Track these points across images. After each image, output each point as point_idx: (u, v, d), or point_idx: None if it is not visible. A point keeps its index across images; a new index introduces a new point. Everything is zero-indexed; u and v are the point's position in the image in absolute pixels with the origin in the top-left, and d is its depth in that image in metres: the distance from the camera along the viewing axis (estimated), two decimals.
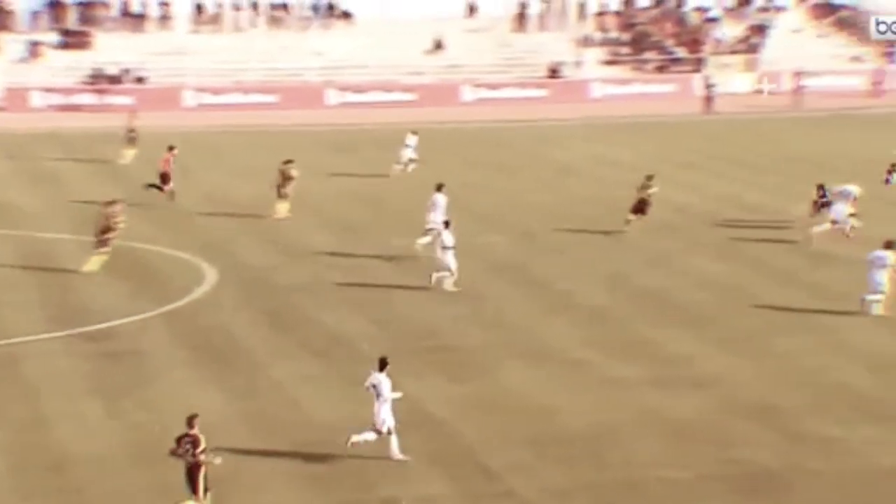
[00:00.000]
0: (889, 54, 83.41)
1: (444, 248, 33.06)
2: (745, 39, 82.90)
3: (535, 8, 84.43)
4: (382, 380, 22.07)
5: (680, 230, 40.11)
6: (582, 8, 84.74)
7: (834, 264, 35.56)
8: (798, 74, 73.88)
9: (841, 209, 37.51)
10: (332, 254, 37.36)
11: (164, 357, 28.15)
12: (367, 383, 22.27)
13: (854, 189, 38.19)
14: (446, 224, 33.52)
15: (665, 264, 35.94)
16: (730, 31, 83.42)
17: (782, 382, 26.17)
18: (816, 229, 37.68)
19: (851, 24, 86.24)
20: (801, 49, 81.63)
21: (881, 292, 30.43)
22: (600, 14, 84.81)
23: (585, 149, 57.42)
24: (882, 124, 64.44)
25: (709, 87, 72.25)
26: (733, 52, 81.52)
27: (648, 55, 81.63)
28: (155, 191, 44.23)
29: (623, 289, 33.30)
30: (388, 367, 22.19)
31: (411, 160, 49.33)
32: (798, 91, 72.78)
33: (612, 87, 77.44)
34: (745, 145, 58.28)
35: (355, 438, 22.17)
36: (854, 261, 35.22)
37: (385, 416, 21.99)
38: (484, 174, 50.38)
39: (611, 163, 53.54)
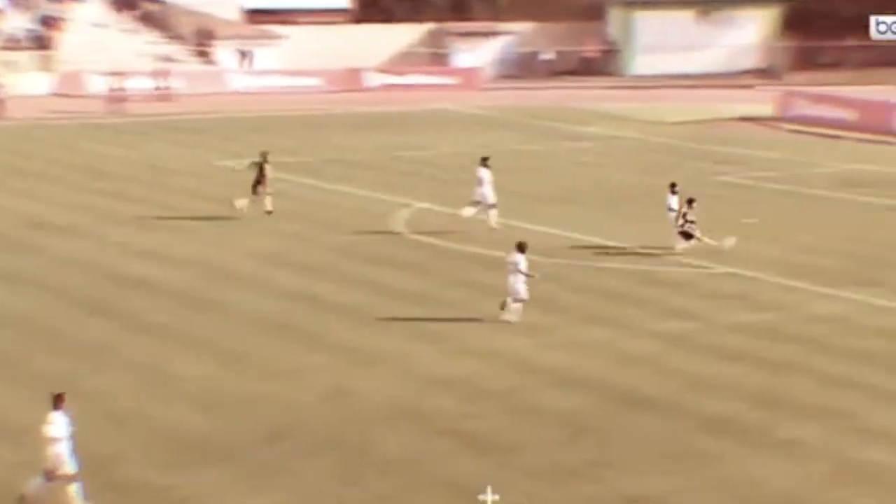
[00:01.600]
0: (204, 54, 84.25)
1: None
2: (37, 34, 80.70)
3: None
4: (57, 418, 21.15)
5: None
6: None
7: (144, 289, 34.35)
8: (113, 75, 72.18)
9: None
10: None
11: None
12: (48, 420, 21.23)
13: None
14: None
15: None
16: (19, 23, 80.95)
17: (98, 428, 24.28)
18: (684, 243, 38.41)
19: (160, 19, 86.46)
20: (105, 46, 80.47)
21: (521, 298, 31.67)
22: None
23: None
24: (193, 132, 64.44)
25: None
26: (25, 49, 79.06)
27: None
28: None
29: None
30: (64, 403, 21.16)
31: None
32: (113, 93, 71.20)
33: None
34: (38, 154, 56.66)
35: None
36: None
37: (61, 458, 20.87)
38: None
39: None
